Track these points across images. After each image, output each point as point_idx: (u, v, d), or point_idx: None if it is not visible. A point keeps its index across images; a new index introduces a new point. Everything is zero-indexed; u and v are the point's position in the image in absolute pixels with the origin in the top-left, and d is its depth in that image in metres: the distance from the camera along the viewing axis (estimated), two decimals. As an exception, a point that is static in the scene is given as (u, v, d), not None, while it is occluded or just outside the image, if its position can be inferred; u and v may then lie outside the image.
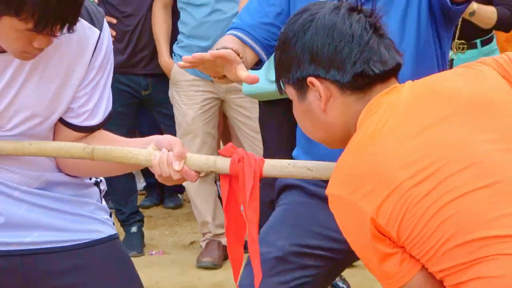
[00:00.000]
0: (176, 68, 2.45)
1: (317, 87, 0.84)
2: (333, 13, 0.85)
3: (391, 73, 0.86)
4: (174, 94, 2.47)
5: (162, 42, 2.50)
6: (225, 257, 2.49)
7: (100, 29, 1.11)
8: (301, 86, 0.87)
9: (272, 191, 1.81)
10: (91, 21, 1.10)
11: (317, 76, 0.84)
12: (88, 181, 1.25)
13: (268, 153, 2.30)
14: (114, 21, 2.48)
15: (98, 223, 1.22)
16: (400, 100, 0.84)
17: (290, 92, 0.91)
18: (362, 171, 0.80)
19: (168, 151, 0.99)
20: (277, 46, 0.92)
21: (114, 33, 2.40)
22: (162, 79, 2.54)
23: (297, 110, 0.91)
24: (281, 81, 0.91)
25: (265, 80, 2.11)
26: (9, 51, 1.02)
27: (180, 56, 2.43)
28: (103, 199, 1.28)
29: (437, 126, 0.81)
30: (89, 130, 1.14)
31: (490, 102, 0.82)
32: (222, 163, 0.97)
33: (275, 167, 0.97)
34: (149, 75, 2.56)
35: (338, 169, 0.84)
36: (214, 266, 2.44)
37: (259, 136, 2.29)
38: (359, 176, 0.80)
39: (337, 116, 0.88)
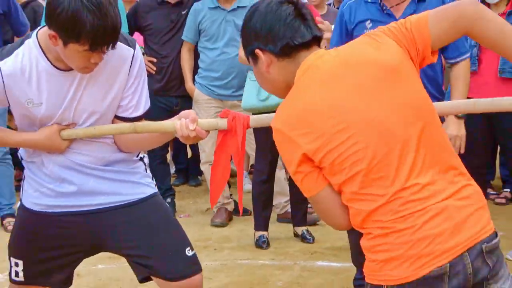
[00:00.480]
0: (197, 91, 2.99)
1: (261, 56, 1.02)
2: (268, 5, 1.02)
3: (311, 43, 1.02)
4: (195, 108, 3.00)
5: (187, 74, 3.02)
6: (230, 218, 3.10)
7: (134, 48, 1.37)
8: (253, 56, 1.04)
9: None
10: (127, 43, 1.36)
11: (260, 49, 1.02)
12: (135, 158, 1.49)
13: (259, 152, 2.75)
14: (154, 60, 3.01)
15: (144, 186, 1.49)
16: (325, 64, 0.99)
17: (251, 64, 1.09)
18: (298, 116, 0.99)
19: (185, 119, 1.25)
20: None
21: (154, 68, 3.00)
22: (187, 99, 3.03)
23: (255, 72, 1.10)
24: (247, 57, 1.08)
25: (256, 99, 2.60)
26: (74, 68, 1.27)
27: (200, 84, 3.01)
28: (148, 169, 1.52)
29: (353, 87, 0.96)
30: (135, 119, 1.37)
31: (391, 69, 0.97)
32: (222, 122, 1.24)
33: (256, 120, 1.25)
34: (179, 96, 3.07)
35: (281, 109, 1.03)
36: (222, 225, 3.00)
37: (253, 136, 2.69)
38: (296, 119, 0.98)
39: (277, 75, 1.04)
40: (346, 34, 2.02)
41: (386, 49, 0.99)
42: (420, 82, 1.00)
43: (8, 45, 1.44)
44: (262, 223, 2.72)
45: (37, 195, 1.47)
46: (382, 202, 0.95)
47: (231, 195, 3.11)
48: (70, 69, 1.29)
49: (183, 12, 2.98)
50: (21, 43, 1.33)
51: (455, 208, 0.97)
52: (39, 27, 1.36)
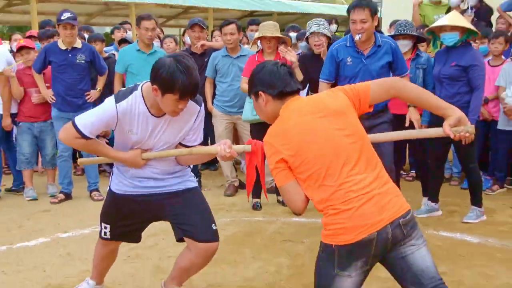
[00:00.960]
0: (215, 109, 3.98)
1: (262, 96, 1.40)
2: (273, 65, 1.44)
3: (295, 92, 1.42)
4: (214, 121, 4.01)
5: (208, 98, 3.98)
6: (236, 191, 4.04)
7: (200, 106, 1.81)
8: (256, 95, 1.43)
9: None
10: (197, 102, 1.79)
11: (263, 91, 1.41)
12: (187, 167, 1.98)
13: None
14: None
15: (190, 181, 1.96)
16: (300, 105, 1.40)
17: (253, 99, 1.44)
18: (281, 134, 1.36)
19: (224, 145, 1.69)
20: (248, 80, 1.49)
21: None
22: (209, 115, 3.78)
23: (255, 106, 1.47)
24: (250, 94, 1.48)
25: (251, 114, 3.41)
26: (166, 112, 1.68)
27: (216, 104, 3.97)
28: (191, 172, 2.03)
29: (316, 119, 1.35)
30: (192, 146, 1.84)
31: (340, 111, 1.36)
32: (248, 147, 1.67)
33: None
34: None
35: (270, 130, 1.40)
36: (231, 195, 4.00)
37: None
38: (280, 136, 1.36)
39: (270, 110, 1.43)
40: (335, 66, 2.87)
41: (338, 99, 1.40)
42: (357, 119, 1.44)
43: (122, 90, 1.84)
44: (257, 194, 3.70)
45: (121, 185, 1.95)
46: (333, 191, 1.31)
47: (236, 176, 4.20)
48: (160, 116, 1.72)
49: (206, 60, 4.15)
50: (131, 92, 1.76)
51: (380, 195, 1.33)
52: (144, 82, 1.79)
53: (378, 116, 2.93)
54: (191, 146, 1.86)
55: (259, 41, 3.64)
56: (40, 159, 4.57)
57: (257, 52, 3.73)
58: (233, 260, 2.85)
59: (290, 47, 3.69)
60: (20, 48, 4.01)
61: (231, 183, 4.13)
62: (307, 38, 3.65)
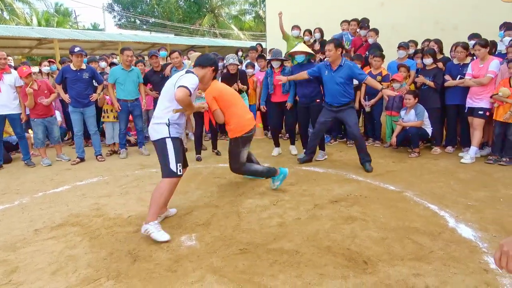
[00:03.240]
0: None
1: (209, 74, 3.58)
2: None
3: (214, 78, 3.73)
4: None
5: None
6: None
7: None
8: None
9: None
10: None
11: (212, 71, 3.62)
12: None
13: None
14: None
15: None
16: (217, 83, 4.06)
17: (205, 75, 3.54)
18: (216, 90, 4.04)
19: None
20: None
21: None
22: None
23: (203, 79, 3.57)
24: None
25: None
26: (205, 86, 3.42)
27: None
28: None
29: (228, 87, 4.26)
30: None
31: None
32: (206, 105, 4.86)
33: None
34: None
35: (211, 89, 3.98)
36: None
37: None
38: (216, 90, 4.02)
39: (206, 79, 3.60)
40: (318, 75, 5.30)
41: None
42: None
43: (190, 71, 3.24)
44: (199, 151, 6.14)
45: (176, 132, 3.16)
46: (235, 112, 4.05)
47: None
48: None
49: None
50: (193, 73, 3.10)
51: (251, 114, 4.29)
52: (190, 69, 3.27)
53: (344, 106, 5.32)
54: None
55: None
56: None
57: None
58: (184, 191, 4.47)
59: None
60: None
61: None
62: (226, 66, 6.34)
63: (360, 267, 2.73)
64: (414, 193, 4.27)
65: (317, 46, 7.54)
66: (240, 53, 10.12)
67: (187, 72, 3.17)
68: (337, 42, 5.04)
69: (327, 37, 7.72)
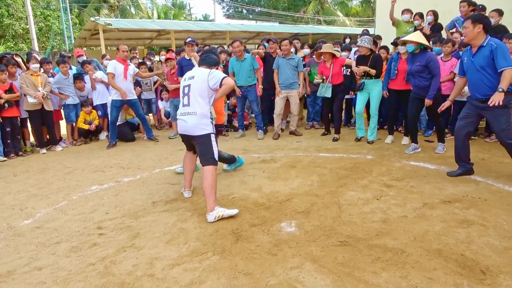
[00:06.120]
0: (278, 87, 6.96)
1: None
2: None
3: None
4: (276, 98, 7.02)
5: (276, 82, 6.90)
6: (279, 136, 6.51)
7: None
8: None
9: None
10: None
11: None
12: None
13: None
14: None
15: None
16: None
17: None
18: None
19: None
20: None
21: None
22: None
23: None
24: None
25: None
26: None
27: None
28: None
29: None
30: None
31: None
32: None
33: None
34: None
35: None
36: (276, 139, 6.62)
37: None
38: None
39: None
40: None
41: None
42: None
43: (214, 69, 3.73)
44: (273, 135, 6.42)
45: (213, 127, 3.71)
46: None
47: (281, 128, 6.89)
48: None
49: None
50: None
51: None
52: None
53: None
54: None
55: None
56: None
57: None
58: (284, 178, 4.63)
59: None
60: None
61: (276, 132, 6.92)
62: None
63: (477, 277, 2.48)
64: (548, 200, 3.74)
65: (427, 30, 6.95)
66: (347, 40, 9.33)
67: (207, 68, 3.76)
68: (477, 16, 3.92)
69: (443, 21, 7.06)
